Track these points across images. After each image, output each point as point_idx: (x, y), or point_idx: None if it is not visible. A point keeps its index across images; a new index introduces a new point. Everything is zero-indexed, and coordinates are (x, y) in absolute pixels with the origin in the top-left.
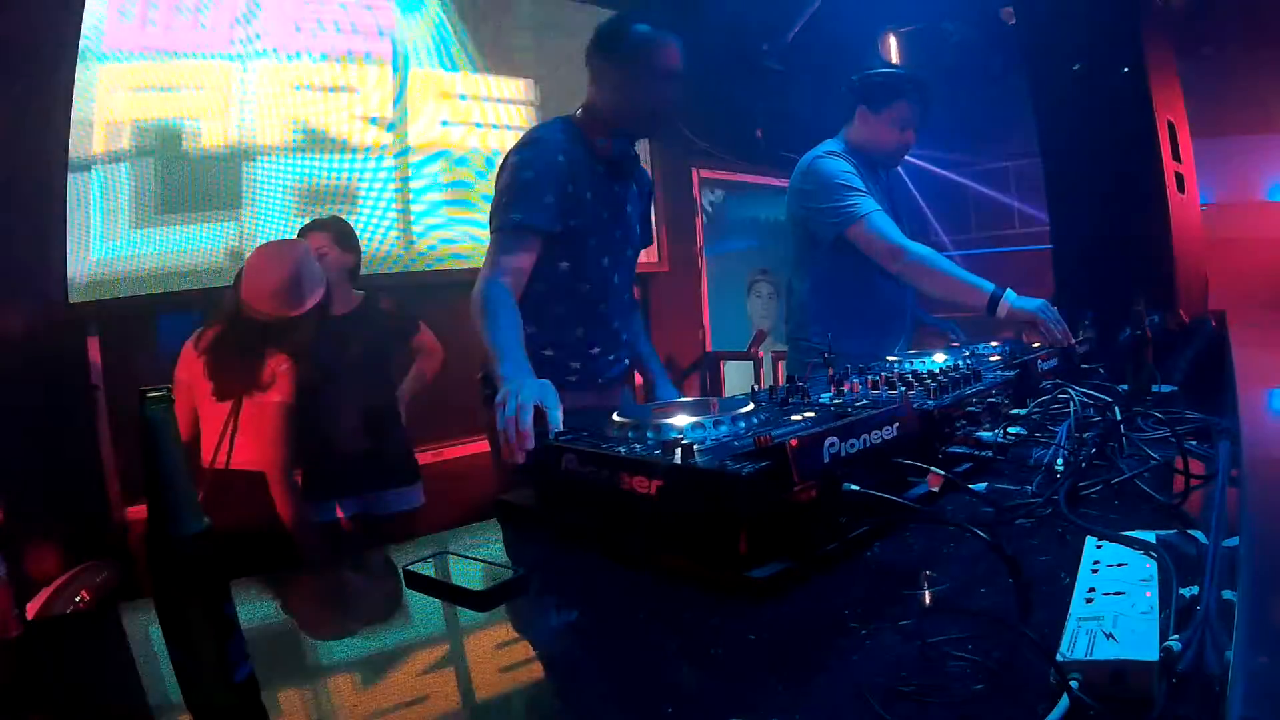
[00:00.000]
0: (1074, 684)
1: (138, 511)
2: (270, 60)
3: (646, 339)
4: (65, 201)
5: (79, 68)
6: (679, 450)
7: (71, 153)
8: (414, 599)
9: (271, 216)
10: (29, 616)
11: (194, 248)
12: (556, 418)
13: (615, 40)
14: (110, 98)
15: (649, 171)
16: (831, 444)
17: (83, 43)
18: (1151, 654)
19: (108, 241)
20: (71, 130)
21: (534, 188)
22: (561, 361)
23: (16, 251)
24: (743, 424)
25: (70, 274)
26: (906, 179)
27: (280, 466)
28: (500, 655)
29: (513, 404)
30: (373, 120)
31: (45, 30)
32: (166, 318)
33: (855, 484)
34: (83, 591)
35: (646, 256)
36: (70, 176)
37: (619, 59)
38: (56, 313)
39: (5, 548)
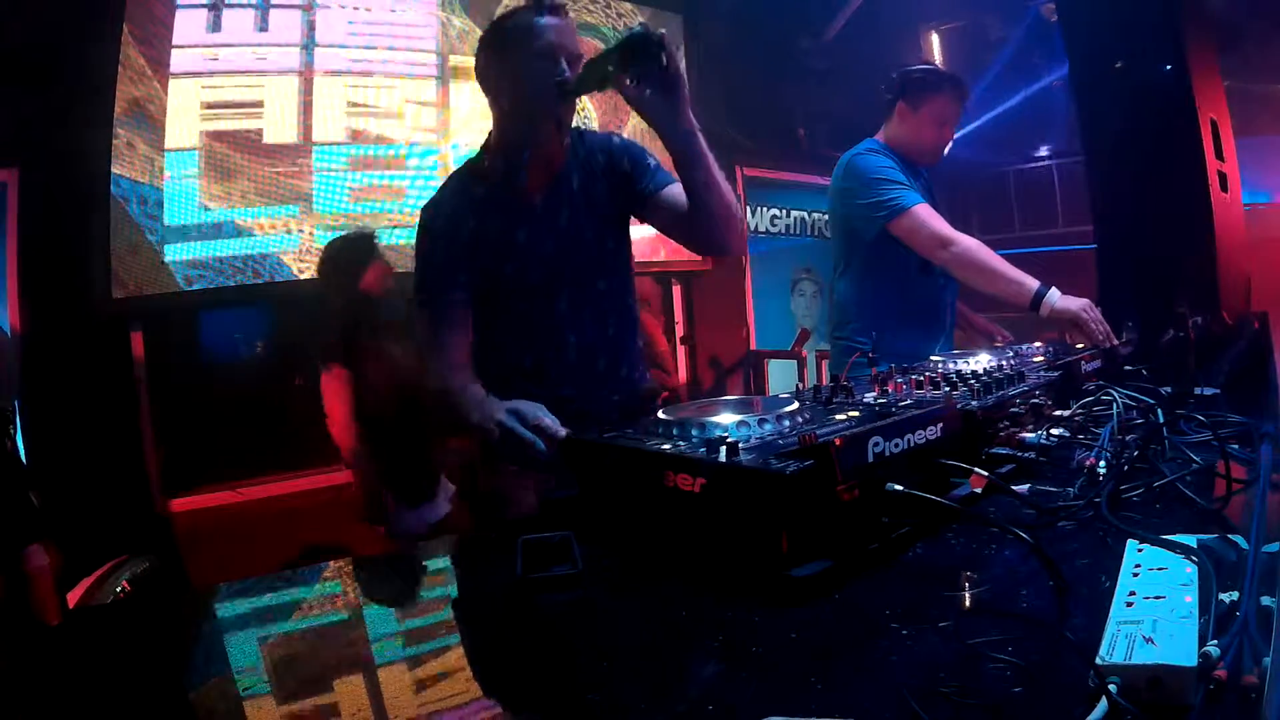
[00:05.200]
0: (1112, 688)
1: (179, 505)
2: (325, 71)
3: None
4: (109, 197)
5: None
6: (724, 448)
7: (123, 153)
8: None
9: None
10: (69, 605)
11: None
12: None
13: (495, 32)
14: (172, 104)
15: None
16: (875, 443)
17: (153, 52)
18: (1190, 659)
19: (152, 236)
20: (123, 130)
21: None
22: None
23: (62, 246)
24: (787, 423)
25: (114, 268)
26: (947, 176)
27: None
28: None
29: (518, 419)
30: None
31: (86, 36)
32: (208, 314)
33: (898, 484)
34: (123, 583)
35: (689, 254)
36: (117, 175)
37: (498, 51)
38: (100, 307)
39: (49, 538)
